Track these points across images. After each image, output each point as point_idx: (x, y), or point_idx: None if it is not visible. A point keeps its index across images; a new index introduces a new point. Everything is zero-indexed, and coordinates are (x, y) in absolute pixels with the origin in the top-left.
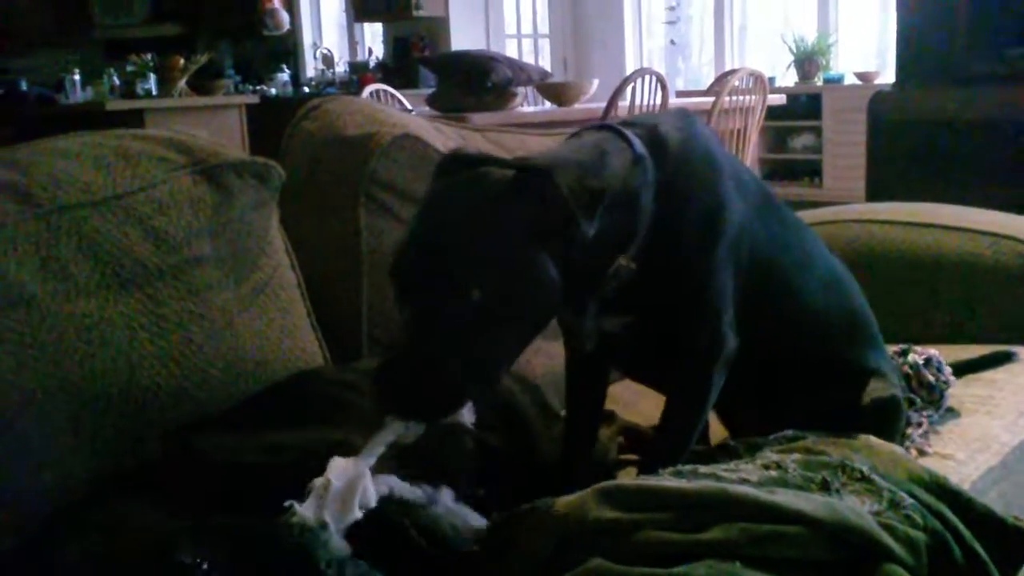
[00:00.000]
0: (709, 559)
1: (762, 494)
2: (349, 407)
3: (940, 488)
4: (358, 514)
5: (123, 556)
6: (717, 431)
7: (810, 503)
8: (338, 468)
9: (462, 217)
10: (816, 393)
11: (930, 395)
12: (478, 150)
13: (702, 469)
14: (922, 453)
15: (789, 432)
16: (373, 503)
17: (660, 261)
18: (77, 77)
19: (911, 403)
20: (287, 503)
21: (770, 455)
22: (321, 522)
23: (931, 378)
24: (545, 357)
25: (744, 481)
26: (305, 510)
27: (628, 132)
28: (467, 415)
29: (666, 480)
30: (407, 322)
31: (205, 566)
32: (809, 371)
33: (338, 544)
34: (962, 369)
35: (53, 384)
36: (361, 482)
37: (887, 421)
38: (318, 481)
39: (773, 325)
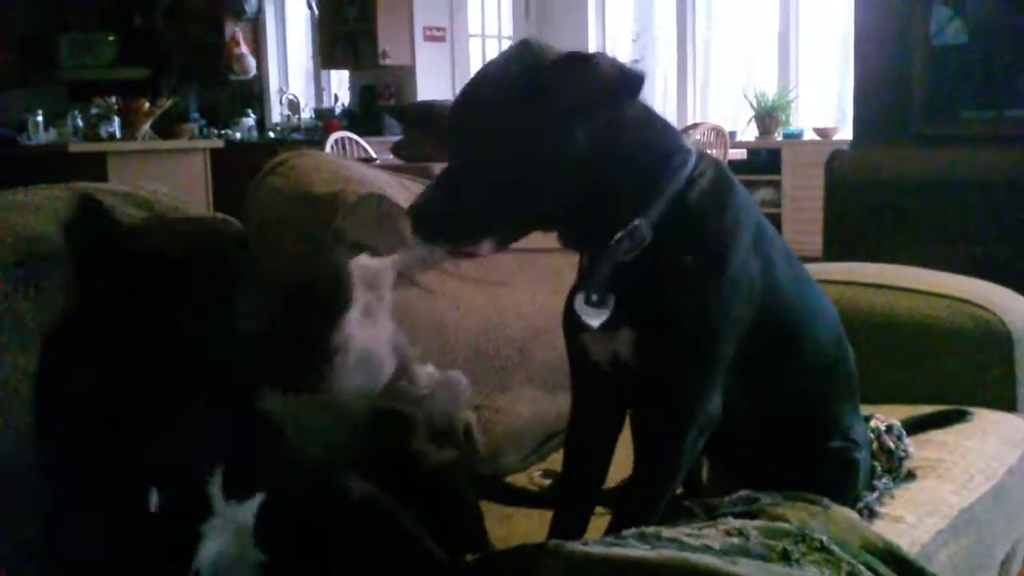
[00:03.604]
0: None
1: (725, 565)
2: None
3: (893, 556)
4: None
5: None
6: None
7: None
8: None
9: (498, 82)
10: (797, 448)
11: (888, 462)
12: (543, 44)
13: (665, 533)
14: (873, 515)
15: (744, 493)
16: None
17: (665, 268)
18: (40, 118)
19: (872, 470)
20: None
21: (731, 521)
22: None
23: (891, 444)
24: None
25: (707, 548)
26: None
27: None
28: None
29: (629, 548)
30: (447, 168)
31: None
32: (799, 426)
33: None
34: (916, 425)
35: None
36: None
37: (846, 483)
38: None
39: (787, 371)
